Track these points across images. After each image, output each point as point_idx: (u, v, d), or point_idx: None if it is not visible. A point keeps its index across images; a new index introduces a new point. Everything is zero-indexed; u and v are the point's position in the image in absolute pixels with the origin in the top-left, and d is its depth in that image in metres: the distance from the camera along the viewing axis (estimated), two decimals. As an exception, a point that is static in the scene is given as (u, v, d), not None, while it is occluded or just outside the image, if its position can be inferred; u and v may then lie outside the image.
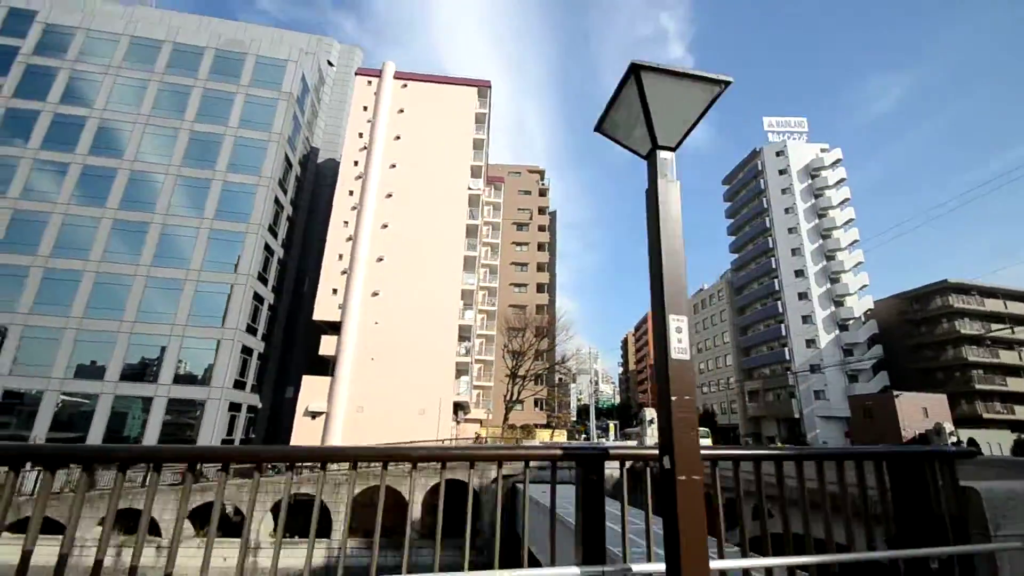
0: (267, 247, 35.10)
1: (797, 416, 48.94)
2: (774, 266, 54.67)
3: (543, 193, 59.18)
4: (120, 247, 31.65)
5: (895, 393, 36.98)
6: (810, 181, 54.89)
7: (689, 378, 2.07)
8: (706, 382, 66.76)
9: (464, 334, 35.00)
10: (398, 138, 36.84)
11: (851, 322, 49.69)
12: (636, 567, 2.20)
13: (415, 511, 25.87)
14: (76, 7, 37.21)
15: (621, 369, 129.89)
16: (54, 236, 31.01)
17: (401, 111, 37.58)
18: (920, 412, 36.21)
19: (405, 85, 38.55)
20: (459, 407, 34.53)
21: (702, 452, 2.68)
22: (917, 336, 46.81)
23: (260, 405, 36.11)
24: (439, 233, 34.81)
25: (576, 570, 2.09)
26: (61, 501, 21.61)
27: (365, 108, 38.01)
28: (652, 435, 29.42)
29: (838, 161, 54.59)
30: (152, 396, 29.50)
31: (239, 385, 32.44)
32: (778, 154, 57.21)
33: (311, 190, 42.78)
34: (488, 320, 49.48)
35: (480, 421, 45.46)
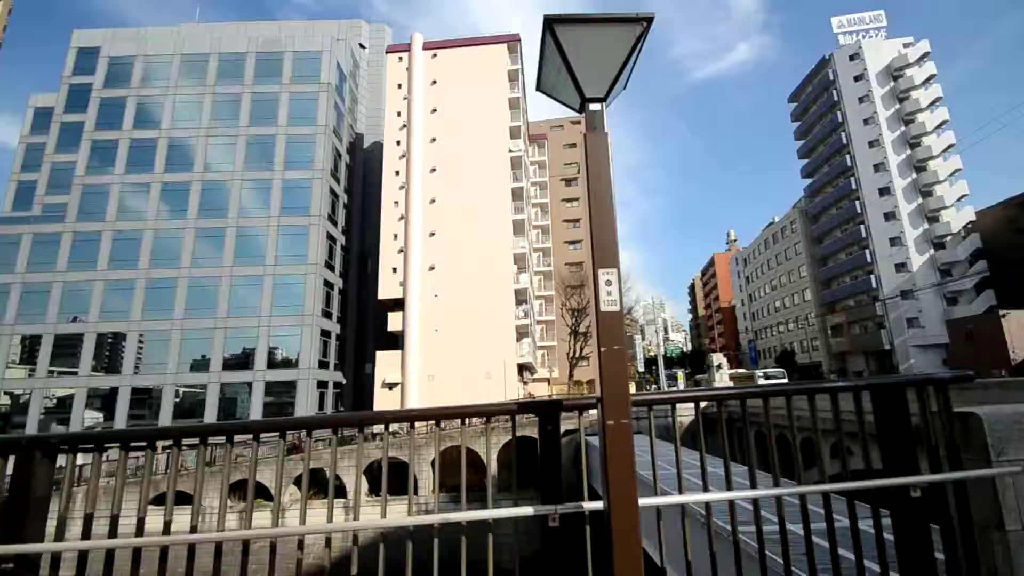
0: (329, 236, 37.19)
1: (888, 347, 45.38)
2: (854, 186, 49.64)
3: (589, 144, 56.95)
4: (205, 252, 34.93)
5: (1001, 312, 33.16)
6: (892, 84, 48.47)
7: (618, 329, 2.16)
8: (783, 320, 63.32)
9: (520, 297, 35.50)
10: (435, 111, 36.92)
11: (948, 239, 44.49)
12: (587, 505, 2.39)
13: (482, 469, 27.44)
14: (131, 36, 39.95)
15: (691, 315, 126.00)
16: (149, 249, 34.77)
17: (434, 83, 37.45)
18: (1035, 331, 32.32)
19: (435, 55, 38.21)
20: (524, 368, 35.50)
21: (652, 396, 2.78)
22: (1031, 246, 41.05)
23: (344, 381, 39.28)
24: (485, 201, 35.01)
25: (530, 509, 2.32)
26: (188, 476, 25.20)
27: (400, 86, 38.29)
28: (720, 379, 28.80)
29: (926, 55, 47.61)
30: (251, 381, 33.04)
31: (322, 365, 35.40)
32: (852, 58, 50.80)
33: (362, 175, 44.30)
34: (546, 281, 49.67)
35: (548, 380, 46.56)
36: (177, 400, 32.70)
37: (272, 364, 33.49)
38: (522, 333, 35.21)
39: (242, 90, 37.28)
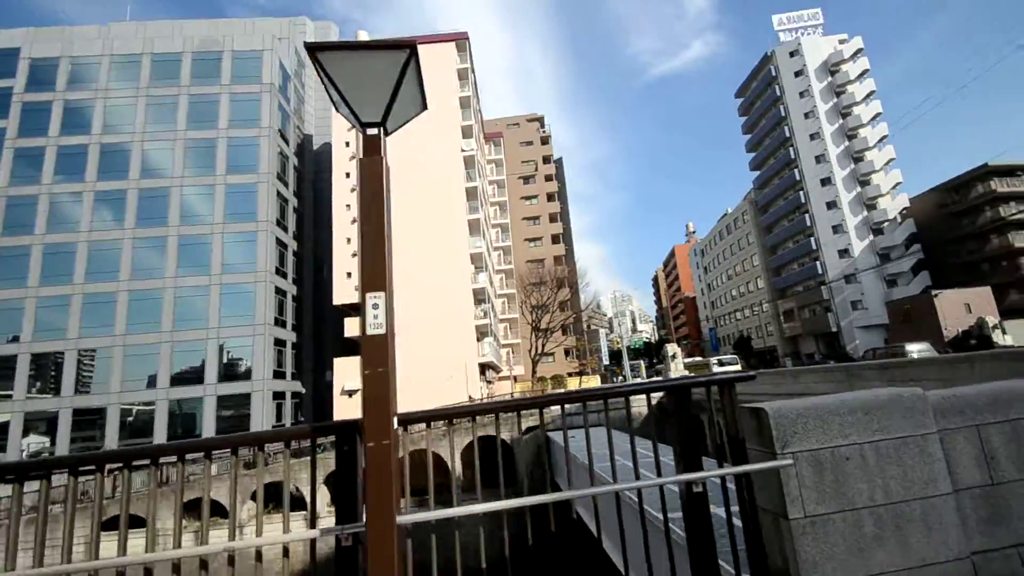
0: (279, 242, 36.10)
1: (835, 330, 47.66)
2: (798, 177, 51.80)
3: (545, 141, 57.39)
4: (146, 262, 33.30)
5: (934, 292, 35.36)
6: (830, 79, 50.78)
7: (383, 351, 2.16)
8: (739, 307, 65.59)
9: (479, 297, 35.42)
10: (384, 111, 36.24)
11: (886, 224, 47.05)
12: (400, 518, 2.38)
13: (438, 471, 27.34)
14: (55, 36, 37.62)
15: (656, 307, 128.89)
16: (84, 261, 32.91)
17: (383, 82, 36.74)
18: (962, 309, 34.65)
19: (382, 54, 37.44)
20: (486, 367, 35.48)
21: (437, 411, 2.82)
22: (958, 229, 43.91)
23: (304, 390, 38.32)
24: (440, 201, 34.73)
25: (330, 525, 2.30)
26: (139, 499, 24.10)
27: (347, 86, 37.40)
28: (675, 369, 29.55)
29: (859, 51, 50.06)
30: (202, 396, 31.78)
31: (278, 375, 34.40)
32: (792, 54, 52.94)
33: (312, 179, 43.20)
34: (508, 279, 49.75)
35: (514, 378, 46.71)
36: (130, 419, 31.13)
37: (224, 377, 32.31)
38: (483, 333, 35.17)
39: (178, 92, 35.68)
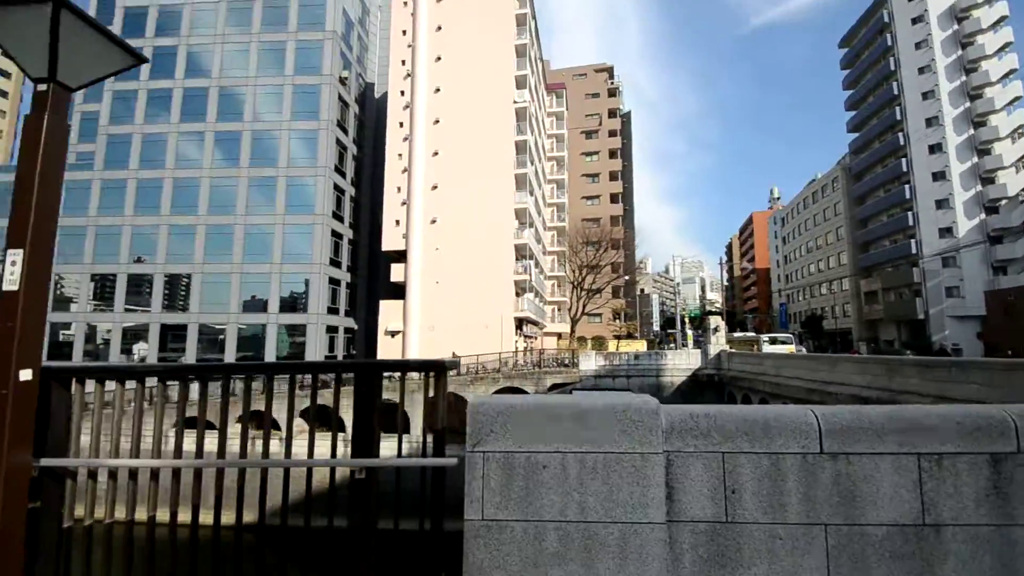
0: (337, 187, 37.75)
1: (922, 317, 42.58)
2: (903, 142, 45.19)
3: (613, 93, 53.90)
4: (220, 200, 36.34)
5: (1047, 285, 30.21)
6: (955, 27, 42.65)
7: (13, 307, 2.18)
8: (816, 283, 60.25)
9: (521, 253, 35.20)
10: (439, 59, 35.74)
11: (1003, 203, 40.20)
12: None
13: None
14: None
15: (727, 276, 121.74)
16: (170, 197, 36.53)
17: (439, 28, 36.01)
18: (1081, 306, 29.45)
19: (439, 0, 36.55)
20: (523, 322, 35.75)
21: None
22: (1100, 212, 36.54)
23: (356, 327, 41.02)
24: (488, 154, 34.24)
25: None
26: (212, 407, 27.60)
27: (404, 32, 37.12)
28: (715, 343, 28.07)
29: (1001, -8, 41.39)
30: (265, 323, 35.05)
31: (332, 311, 36.98)
32: (912, -3, 44.90)
33: (374, 127, 44.09)
34: (560, 237, 48.87)
35: (559, 335, 46.80)
36: (208, 337, 35.23)
37: (284, 308, 35.28)
38: (523, 288, 35.21)
39: (250, 39, 37.27)
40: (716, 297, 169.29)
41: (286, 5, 37.49)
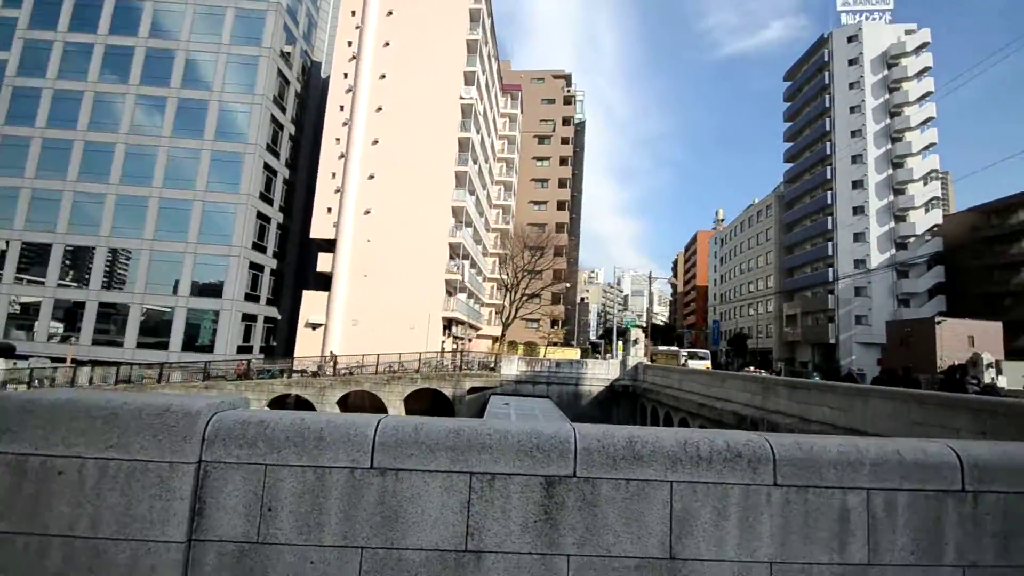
0: (268, 167, 35.93)
1: (833, 341, 45.40)
2: (829, 176, 48.15)
3: (568, 101, 54.47)
4: (135, 171, 33.71)
5: (936, 319, 32.85)
6: (885, 72, 45.99)
7: None
8: (745, 304, 63.18)
9: (456, 252, 34.74)
10: (387, 45, 34.79)
11: (912, 240, 43.58)
12: None
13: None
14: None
15: (672, 291, 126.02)
16: (79, 163, 33.54)
17: (390, 13, 35.07)
18: (964, 341, 32.20)
19: (394, -17, 35.61)
20: (452, 322, 35.26)
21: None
22: (988, 256, 40.25)
23: (279, 317, 39.13)
24: (430, 148, 33.58)
25: None
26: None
27: (353, 13, 35.90)
28: (634, 355, 28.66)
29: (924, 46, 44.91)
30: (173, 307, 32.78)
31: (252, 298, 35.09)
32: (850, 39, 47.99)
33: (316, 108, 42.37)
34: (504, 239, 48.72)
35: (494, 338, 46.55)
36: (112, 314, 32.52)
37: (196, 291, 33.12)
38: (455, 288, 34.73)
39: (184, 1, 34.90)
40: (664, 310, 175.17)
41: (228, -30, 35.40)
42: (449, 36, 34.61)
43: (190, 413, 2.08)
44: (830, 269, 46.49)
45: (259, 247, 35.39)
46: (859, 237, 45.47)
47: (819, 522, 2.07)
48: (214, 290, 33.11)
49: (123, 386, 26.93)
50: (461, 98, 34.38)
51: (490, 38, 40.64)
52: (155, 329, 32.95)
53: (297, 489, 2.04)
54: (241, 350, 33.91)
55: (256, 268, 35.26)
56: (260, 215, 35.16)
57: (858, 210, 45.72)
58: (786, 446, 2.17)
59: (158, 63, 34.59)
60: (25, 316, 33.06)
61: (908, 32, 45.99)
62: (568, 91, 54.99)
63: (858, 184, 46.01)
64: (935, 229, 43.34)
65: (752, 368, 32.74)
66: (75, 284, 33.09)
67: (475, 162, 37.00)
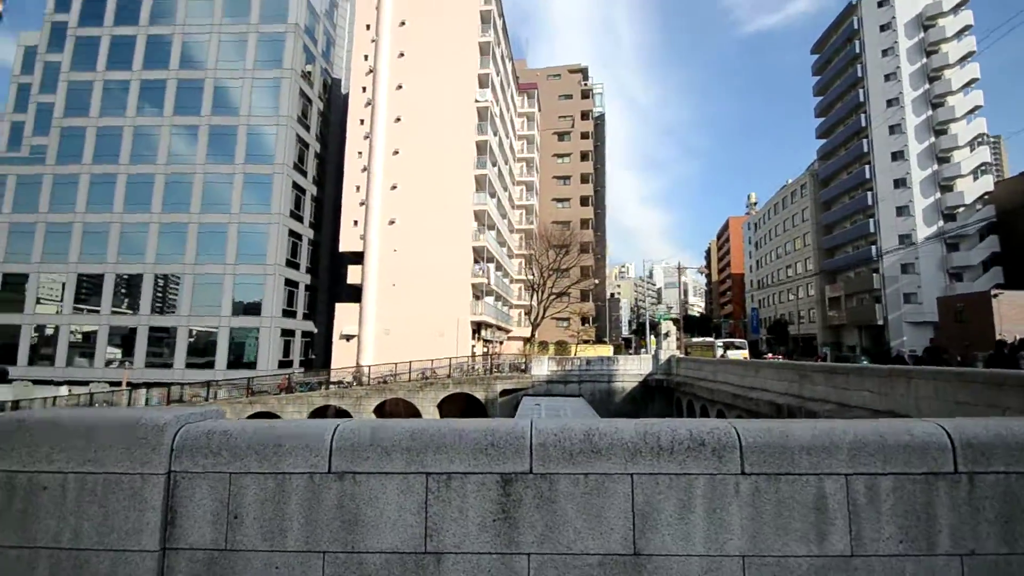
0: (296, 185, 37.15)
1: (881, 323, 43.13)
2: (866, 149, 45.83)
3: (586, 95, 53.88)
4: (175, 199, 35.48)
5: (994, 292, 30.69)
6: (921, 35, 43.38)
7: None
8: (785, 289, 60.80)
9: (480, 255, 34.91)
10: (402, 55, 35.37)
11: (961, 210, 40.90)
12: None
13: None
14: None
15: (707, 280, 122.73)
16: (123, 196, 35.59)
17: (403, 23, 35.62)
18: (1027, 313, 29.94)
19: (404, -6, 36.19)
20: (481, 326, 35.44)
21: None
22: (1050, 221, 37.31)
23: (316, 330, 40.35)
24: (448, 153, 33.93)
25: None
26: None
27: (368, 27, 36.69)
28: (667, 348, 28.03)
29: (963, 3, 42.14)
30: (217, 327, 34.30)
31: (289, 314, 36.34)
32: (880, 4, 45.55)
33: (339, 124, 43.49)
34: (529, 240, 48.67)
35: (525, 339, 46.52)
36: (161, 336, 34.34)
37: (237, 311, 34.54)
38: (482, 291, 34.91)
39: (210, 30, 36.56)
40: (700, 301, 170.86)
41: (248, -2, 36.88)
42: (461, 40, 34.90)
43: (158, 426, 2.16)
44: (873, 247, 44.21)
45: (292, 264, 36.60)
46: (902, 211, 43.04)
47: (793, 512, 1.97)
48: (254, 308, 34.45)
49: (175, 404, 28.41)
50: (476, 101, 34.59)
51: (502, 39, 40.70)
52: (202, 349, 34.56)
53: (260, 496, 2.08)
54: (282, 365, 35.13)
55: (291, 284, 36.49)
56: (292, 233, 36.39)
57: (900, 183, 43.29)
58: (753, 432, 2.08)
59: (189, 93, 36.33)
60: (86, 344, 35.29)
61: (944, -10, 43.26)
62: (585, 85, 54.44)
63: (898, 155, 43.57)
64: (986, 197, 40.51)
65: (770, 355, 31.42)
66: (128, 311, 35.07)
67: (494, 164, 37.14)
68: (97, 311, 34.84)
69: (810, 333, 53.41)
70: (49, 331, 35.12)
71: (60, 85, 36.74)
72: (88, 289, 35.51)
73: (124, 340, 34.80)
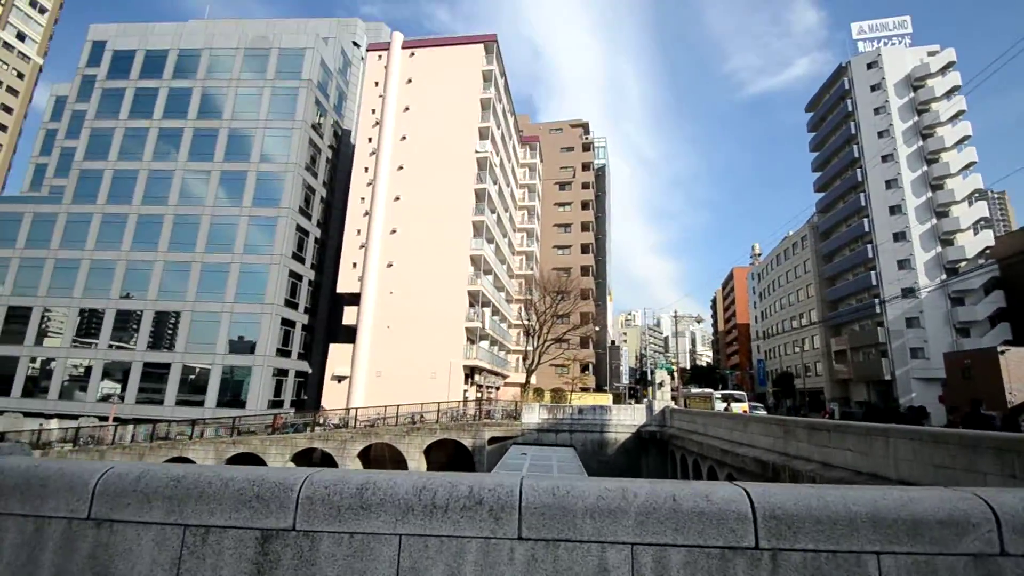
0: (300, 228, 38.02)
1: (888, 378, 41.91)
2: (863, 203, 46.23)
3: (587, 148, 55.64)
4: (181, 238, 36.42)
5: (1000, 348, 29.83)
6: (911, 95, 44.75)
7: None
8: (789, 341, 59.76)
9: (475, 299, 34.99)
10: (407, 109, 37.07)
11: (963, 264, 40.60)
12: None
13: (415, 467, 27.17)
14: (138, 31, 42.22)
15: (713, 330, 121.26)
16: (132, 232, 36.62)
17: (409, 81, 37.60)
18: (1036, 371, 28.93)
19: (413, 54, 38.37)
20: (474, 371, 34.98)
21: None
22: (1056, 276, 36.77)
23: (310, 371, 40.04)
24: (448, 201, 34.82)
25: None
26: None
27: (376, 83, 38.70)
28: (661, 399, 27.32)
29: (950, 65, 43.63)
30: (211, 364, 34.22)
31: (283, 353, 36.22)
32: (870, 66, 47.33)
33: (347, 171, 45.03)
34: (529, 286, 48.88)
35: (521, 385, 45.75)
36: (152, 371, 34.25)
37: (232, 348, 34.53)
38: (475, 336, 34.71)
39: (228, 84, 38.74)
40: (707, 351, 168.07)
41: (266, 55, 39.28)
42: (463, 96, 36.61)
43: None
44: (876, 300, 43.68)
45: (291, 303, 36.88)
46: (904, 264, 42.80)
47: (573, 585, 1.78)
48: (248, 347, 34.45)
49: (159, 443, 27.94)
50: (476, 152, 35.80)
51: (504, 96, 42.62)
52: (193, 386, 34.33)
53: (17, 540, 1.96)
54: (272, 404, 34.68)
55: (288, 324, 36.61)
56: (292, 273, 36.89)
57: (899, 236, 43.31)
58: (538, 491, 1.93)
59: (203, 140, 38.05)
60: (81, 378, 35.26)
61: (931, 53, 44.96)
62: (586, 138, 56.35)
63: (896, 209, 43.86)
64: (987, 251, 40.28)
65: (744, 408, 30.39)
66: (126, 345, 35.23)
67: (492, 211, 37.91)
68: (95, 345, 35.03)
69: (817, 387, 51.96)
70: (46, 364, 35.24)
71: (84, 131, 38.75)
72: (88, 324, 35.88)
73: (118, 375, 34.74)
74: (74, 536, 1.96)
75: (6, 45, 61.23)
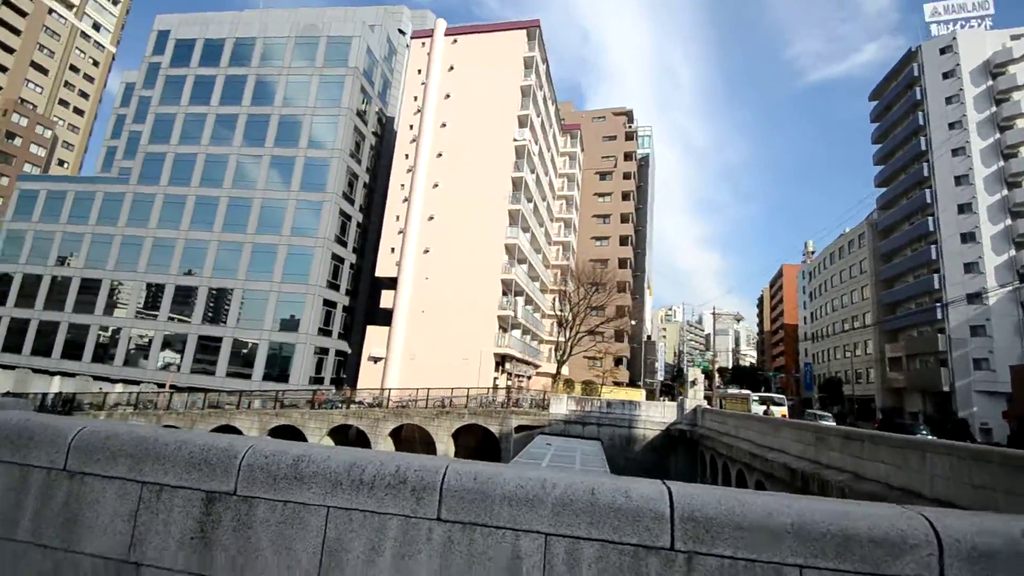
0: (343, 213, 39.27)
1: (947, 389, 39.14)
2: (929, 200, 42.94)
3: (630, 137, 54.20)
4: (233, 220, 38.41)
5: (1077, 363, 27.24)
6: (990, 83, 40.88)
7: None
8: (839, 345, 56.72)
9: (508, 288, 35.12)
10: (448, 97, 37.32)
11: (1040, 270, 37.11)
12: None
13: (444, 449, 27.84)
14: (197, 20, 44.44)
15: (758, 330, 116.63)
16: (191, 214, 38.95)
17: (451, 68, 37.78)
18: (1118, 390, 26.32)
19: (455, 41, 38.47)
20: (505, 358, 35.25)
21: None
22: None
23: (349, 351, 41.57)
24: (485, 188, 34.97)
25: None
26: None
27: (419, 71, 39.12)
28: (693, 397, 26.67)
29: (1038, 49, 39.53)
30: (259, 340, 36.14)
31: (324, 332, 37.77)
32: (943, 51, 43.55)
33: (389, 158, 45.96)
34: (565, 276, 48.52)
35: (553, 376, 45.74)
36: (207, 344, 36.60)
37: (279, 327, 36.32)
38: (507, 324, 34.92)
39: (279, 72, 40.22)
40: (751, 351, 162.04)
41: (315, 43, 40.48)
42: (504, 84, 36.46)
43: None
44: (938, 305, 40.70)
45: (333, 285, 38.30)
46: (971, 268, 39.58)
47: (487, 570, 1.83)
48: (293, 324, 36.15)
49: (210, 410, 29.88)
50: (515, 140, 35.68)
51: (545, 83, 42.12)
52: (243, 359, 36.42)
53: (7, 485, 2.20)
54: (313, 381, 36.32)
55: (329, 305, 38.08)
56: (335, 256, 38.25)
57: (968, 236, 40.03)
58: (460, 475, 1.99)
59: (256, 126, 39.77)
60: (143, 347, 38.08)
61: (1015, 37, 40.83)
62: (629, 127, 54.88)
63: (965, 208, 40.50)
64: (1073, 256, 36.61)
65: (784, 412, 28.69)
66: (184, 319, 37.73)
67: (529, 200, 37.77)
68: (156, 317, 37.69)
69: (867, 394, 49.21)
70: (115, 333, 38.26)
71: (148, 116, 41.35)
72: (151, 297, 38.61)
73: (177, 346, 37.29)
74: (52, 484, 2.18)
75: (83, 35, 65.91)
